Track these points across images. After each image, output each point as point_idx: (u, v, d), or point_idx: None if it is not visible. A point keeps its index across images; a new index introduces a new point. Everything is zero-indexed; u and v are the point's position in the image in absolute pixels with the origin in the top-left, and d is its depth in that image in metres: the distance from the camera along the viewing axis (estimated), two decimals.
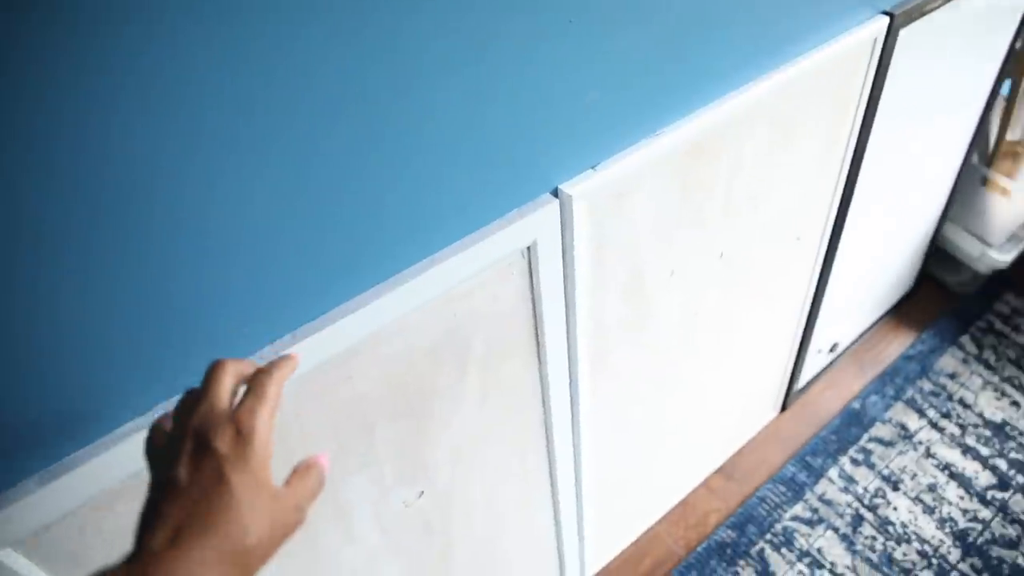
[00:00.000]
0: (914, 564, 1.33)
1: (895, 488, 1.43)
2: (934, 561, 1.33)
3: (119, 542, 0.39)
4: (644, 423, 1.11)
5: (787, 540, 1.36)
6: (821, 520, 1.38)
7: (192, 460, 0.38)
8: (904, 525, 1.38)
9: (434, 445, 0.77)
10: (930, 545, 1.35)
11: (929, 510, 1.40)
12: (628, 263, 0.83)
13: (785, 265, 1.14)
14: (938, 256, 1.70)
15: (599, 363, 0.90)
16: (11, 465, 0.49)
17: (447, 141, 0.57)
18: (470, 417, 0.78)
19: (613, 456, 1.08)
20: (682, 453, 1.30)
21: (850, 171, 1.09)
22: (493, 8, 0.52)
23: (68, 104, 0.38)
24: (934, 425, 1.52)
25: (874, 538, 1.36)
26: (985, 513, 1.39)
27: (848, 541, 1.35)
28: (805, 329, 1.34)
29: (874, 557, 1.34)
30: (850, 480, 1.44)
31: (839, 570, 1.32)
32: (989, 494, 1.42)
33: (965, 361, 1.63)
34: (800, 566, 1.32)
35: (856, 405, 1.55)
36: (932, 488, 1.43)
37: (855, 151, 1.06)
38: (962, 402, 1.56)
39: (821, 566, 1.32)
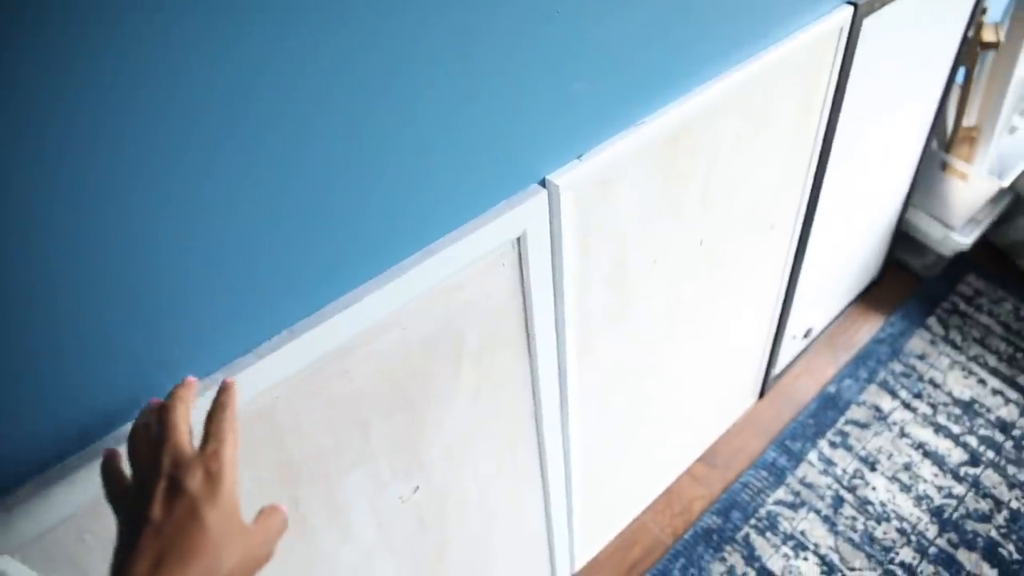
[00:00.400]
0: (894, 542, 1.36)
1: (872, 468, 1.46)
2: (913, 538, 1.36)
3: None
4: (627, 413, 1.12)
5: (771, 524, 1.38)
6: (803, 503, 1.41)
7: (166, 500, 0.41)
8: (883, 504, 1.41)
9: (429, 439, 0.77)
10: (908, 522, 1.38)
11: (906, 488, 1.43)
12: (612, 252, 0.83)
13: (761, 253, 1.17)
14: (903, 240, 1.75)
15: (584, 353, 0.90)
16: (9, 471, 0.48)
17: (435, 133, 0.57)
18: (464, 410, 0.78)
19: (598, 447, 1.09)
20: (665, 442, 1.31)
21: (820, 159, 1.11)
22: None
23: (58, 100, 0.38)
24: (907, 406, 1.56)
25: (855, 518, 1.39)
26: (959, 489, 1.43)
27: (830, 522, 1.38)
28: (780, 315, 1.37)
29: (856, 537, 1.36)
30: (829, 463, 1.47)
31: (822, 551, 1.35)
32: (962, 470, 1.46)
33: (933, 342, 1.67)
34: (785, 549, 1.35)
35: (831, 389, 1.58)
36: (908, 467, 1.46)
37: (824, 139, 1.08)
38: (932, 382, 1.60)
39: (805, 548, 1.35)
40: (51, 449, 0.49)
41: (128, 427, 0.51)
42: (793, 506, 1.40)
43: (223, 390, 0.49)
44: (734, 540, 1.36)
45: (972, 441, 1.50)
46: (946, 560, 1.33)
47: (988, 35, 1.36)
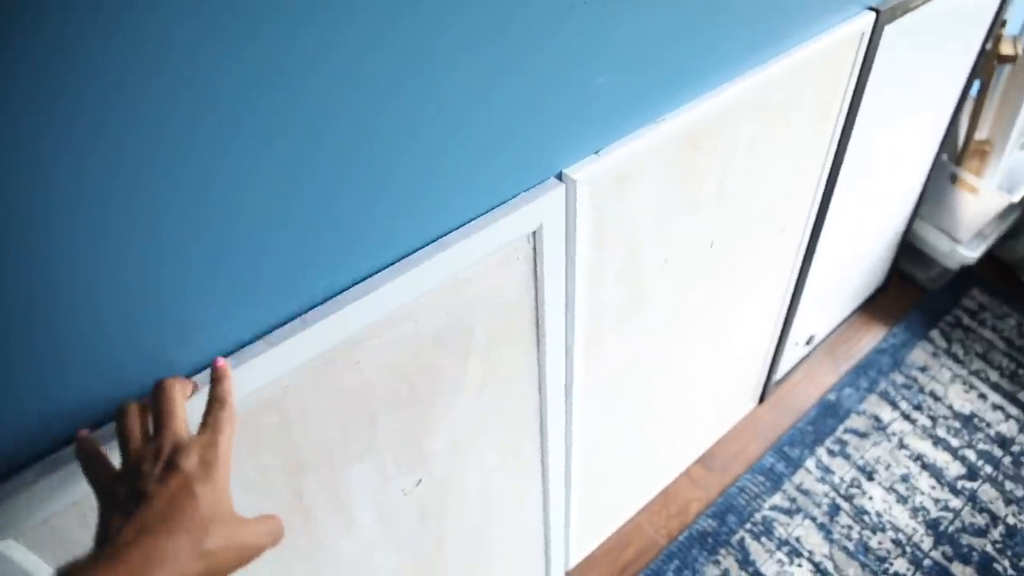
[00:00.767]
0: (889, 552, 1.36)
1: (870, 478, 1.46)
2: (907, 549, 1.36)
3: None
4: (630, 412, 1.11)
5: (766, 529, 1.38)
6: (799, 510, 1.41)
7: (161, 478, 0.42)
8: (879, 514, 1.41)
9: (434, 433, 0.76)
10: (904, 534, 1.38)
11: (903, 499, 1.43)
12: (625, 249, 0.83)
13: (770, 257, 1.16)
14: (909, 252, 1.74)
15: (592, 350, 0.90)
16: (11, 455, 0.48)
17: (457, 118, 0.56)
18: (469, 404, 0.78)
19: (599, 444, 1.08)
20: (664, 442, 1.31)
21: (833, 165, 1.11)
22: None
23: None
24: (906, 417, 1.56)
25: (850, 527, 1.39)
26: (956, 502, 1.43)
27: (825, 530, 1.38)
28: (785, 321, 1.36)
29: (850, 546, 1.36)
30: (827, 470, 1.46)
31: (817, 559, 1.34)
32: (959, 484, 1.46)
33: (935, 355, 1.67)
34: (779, 555, 1.34)
35: (832, 397, 1.58)
36: (905, 478, 1.46)
37: (838, 145, 1.08)
38: (932, 395, 1.60)
39: (799, 555, 1.35)
40: (54, 434, 0.49)
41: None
42: (789, 512, 1.40)
43: (218, 380, 0.49)
44: (729, 544, 1.35)
45: (971, 455, 1.50)
46: (940, 573, 1.33)
47: (1006, 48, 1.36)
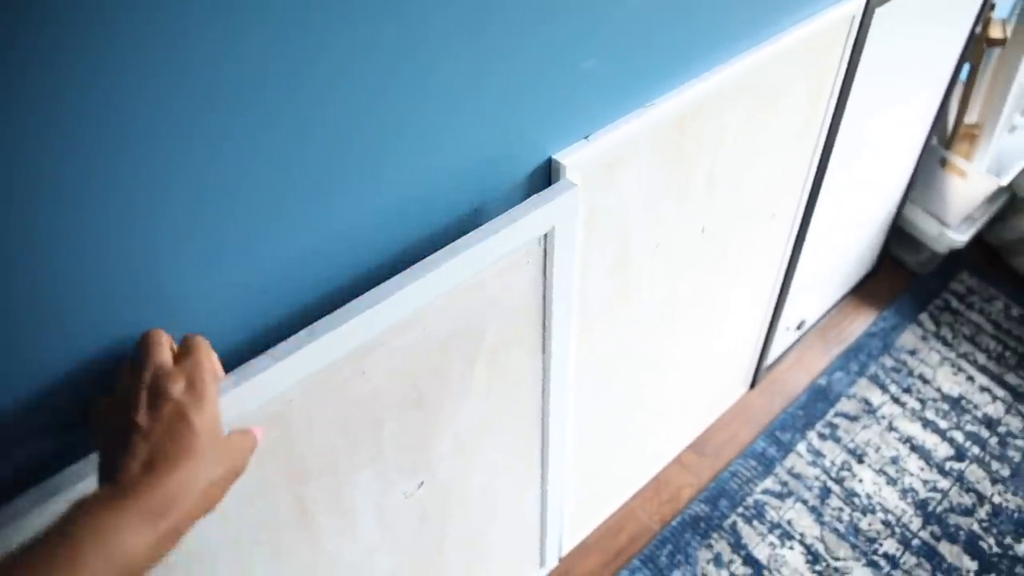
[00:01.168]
0: (879, 533, 1.37)
1: (860, 461, 1.47)
2: (897, 530, 1.38)
3: None
4: (621, 399, 1.11)
5: (758, 513, 1.39)
6: (791, 493, 1.42)
7: (150, 407, 0.41)
8: (869, 496, 1.42)
9: (440, 436, 0.75)
10: (893, 515, 1.40)
11: (892, 481, 1.44)
12: (615, 237, 0.82)
13: (761, 242, 1.16)
14: (899, 236, 1.75)
15: (583, 338, 0.90)
16: (8, 480, 0.47)
17: (447, 103, 0.56)
18: (475, 408, 0.77)
19: (592, 432, 1.09)
20: (656, 429, 1.31)
21: (824, 149, 1.11)
22: None
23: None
24: (896, 400, 1.57)
25: (841, 509, 1.40)
26: (944, 483, 1.45)
27: (817, 513, 1.39)
28: (776, 306, 1.36)
29: (841, 527, 1.38)
30: (818, 454, 1.47)
31: (808, 541, 1.36)
32: (947, 465, 1.47)
33: (924, 338, 1.68)
34: (771, 538, 1.35)
35: (822, 381, 1.59)
36: (895, 460, 1.47)
37: (829, 129, 1.08)
38: (922, 377, 1.61)
39: (791, 537, 1.36)
40: (48, 460, 0.48)
41: None
42: (780, 496, 1.41)
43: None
44: (721, 528, 1.36)
45: (958, 437, 1.51)
46: (928, 552, 1.35)
47: (995, 31, 1.36)
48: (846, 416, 1.54)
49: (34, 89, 0.36)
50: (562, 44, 0.60)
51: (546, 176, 0.69)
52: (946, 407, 1.56)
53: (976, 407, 1.56)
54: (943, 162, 1.62)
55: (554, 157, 0.68)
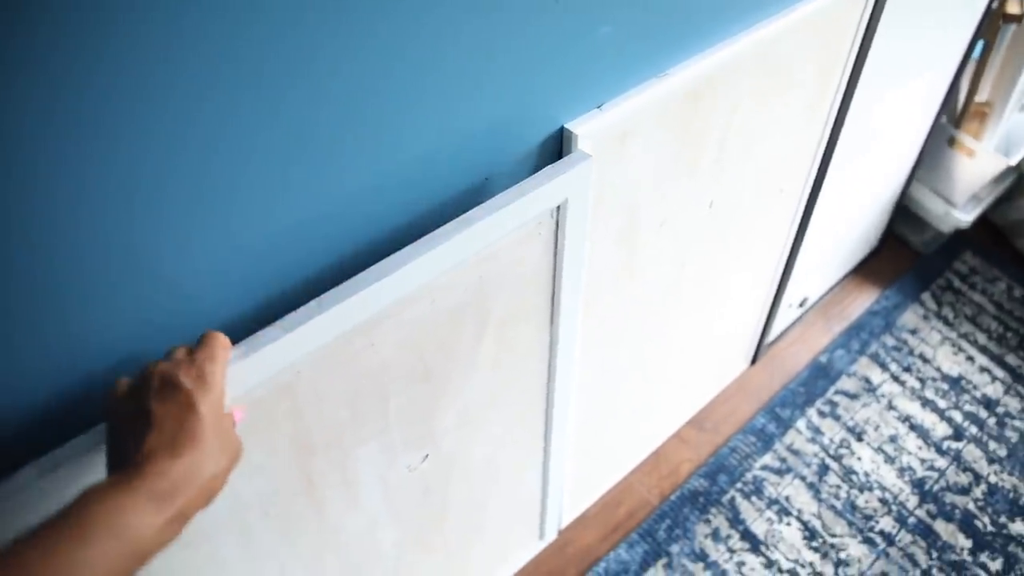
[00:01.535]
0: (875, 511, 1.38)
1: (859, 439, 1.47)
2: (894, 508, 1.39)
3: None
4: (624, 373, 1.11)
5: (757, 489, 1.39)
6: (789, 469, 1.42)
7: (160, 396, 0.42)
8: (867, 474, 1.43)
9: (444, 409, 0.75)
10: (890, 493, 1.40)
11: (890, 460, 1.45)
12: (624, 210, 0.81)
13: (768, 218, 1.15)
14: (903, 214, 1.74)
15: (588, 311, 0.89)
16: (10, 454, 0.46)
17: (461, 66, 0.54)
18: (481, 381, 0.77)
19: (593, 405, 1.08)
20: (657, 404, 1.31)
21: (835, 125, 1.09)
22: None
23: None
24: (896, 379, 1.57)
25: (839, 486, 1.41)
26: (941, 462, 1.45)
27: (815, 489, 1.40)
28: (780, 282, 1.36)
29: (838, 504, 1.38)
30: (817, 431, 1.48)
31: (805, 517, 1.36)
32: (945, 444, 1.48)
33: (925, 317, 1.68)
34: (769, 513, 1.36)
35: (823, 359, 1.59)
36: (893, 439, 1.48)
37: (841, 104, 1.06)
38: (922, 357, 1.61)
39: (788, 513, 1.37)
40: (52, 431, 0.48)
41: None
42: (779, 472, 1.42)
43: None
44: (719, 503, 1.37)
45: (957, 416, 1.52)
46: (924, 530, 1.36)
47: (1012, 7, 1.33)
48: (846, 394, 1.54)
49: (44, 48, 0.35)
50: (580, 8, 0.58)
51: (557, 146, 0.68)
52: (945, 387, 1.56)
53: (975, 387, 1.57)
54: (951, 141, 1.60)
55: (566, 126, 0.66)
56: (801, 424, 1.49)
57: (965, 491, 1.42)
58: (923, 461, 1.45)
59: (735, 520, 1.35)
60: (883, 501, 1.39)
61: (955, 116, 1.59)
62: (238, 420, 0.49)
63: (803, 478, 1.41)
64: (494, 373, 0.77)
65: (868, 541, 1.34)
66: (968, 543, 1.35)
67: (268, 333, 0.52)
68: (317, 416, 0.61)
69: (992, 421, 1.52)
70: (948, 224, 1.66)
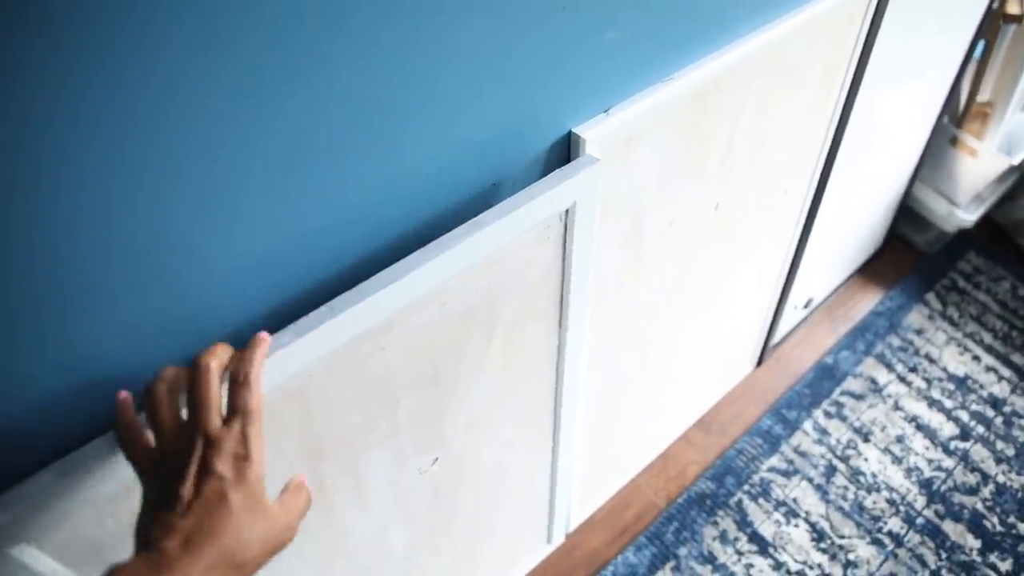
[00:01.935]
0: (883, 512, 1.38)
1: (866, 440, 1.47)
2: (901, 508, 1.38)
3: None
4: (631, 376, 1.11)
5: (764, 491, 1.39)
6: (796, 471, 1.42)
7: (196, 480, 0.42)
8: (874, 475, 1.42)
9: (454, 412, 0.75)
10: (898, 493, 1.40)
11: (897, 460, 1.45)
12: (630, 213, 0.82)
13: (773, 219, 1.15)
14: (907, 215, 1.74)
15: (595, 314, 0.89)
16: (27, 457, 0.47)
17: (468, 72, 0.54)
18: (490, 383, 0.77)
19: (600, 408, 1.09)
20: (663, 406, 1.31)
21: (838, 125, 1.09)
22: None
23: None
24: (902, 379, 1.57)
25: (846, 488, 1.41)
26: (948, 462, 1.45)
27: (822, 491, 1.40)
28: (785, 284, 1.36)
29: (846, 506, 1.38)
30: (823, 432, 1.48)
31: (813, 519, 1.36)
32: (952, 444, 1.48)
33: (931, 317, 1.68)
34: (777, 515, 1.36)
35: (829, 360, 1.59)
36: (900, 439, 1.48)
37: (844, 105, 1.06)
38: (928, 357, 1.61)
39: (796, 515, 1.37)
40: (71, 434, 0.48)
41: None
42: (786, 474, 1.42)
43: (247, 351, 0.47)
44: (727, 505, 1.37)
45: (964, 416, 1.52)
46: (932, 530, 1.36)
47: (1012, 7, 1.34)
48: (852, 395, 1.54)
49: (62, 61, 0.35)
50: (584, 13, 0.59)
51: (565, 151, 0.68)
52: (952, 387, 1.56)
53: (982, 387, 1.56)
54: (954, 140, 1.60)
55: (574, 131, 0.67)
56: (808, 425, 1.49)
57: (973, 491, 1.41)
58: (930, 461, 1.45)
59: (743, 522, 1.35)
60: (891, 502, 1.39)
61: (957, 116, 1.59)
62: (301, 485, 0.48)
63: (810, 479, 1.41)
64: (503, 376, 0.77)
65: (876, 542, 1.34)
66: (977, 543, 1.35)
67: (280, 337, 0.52)
68: (327, 420, 0.62)
69: (999, 420, 1.51)
70: (952, 224, 1.66)
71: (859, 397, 1.54)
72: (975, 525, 1.37)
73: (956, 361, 1.61)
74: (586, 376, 0.97)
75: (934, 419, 1.51)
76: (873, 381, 1.56)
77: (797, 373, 1.56)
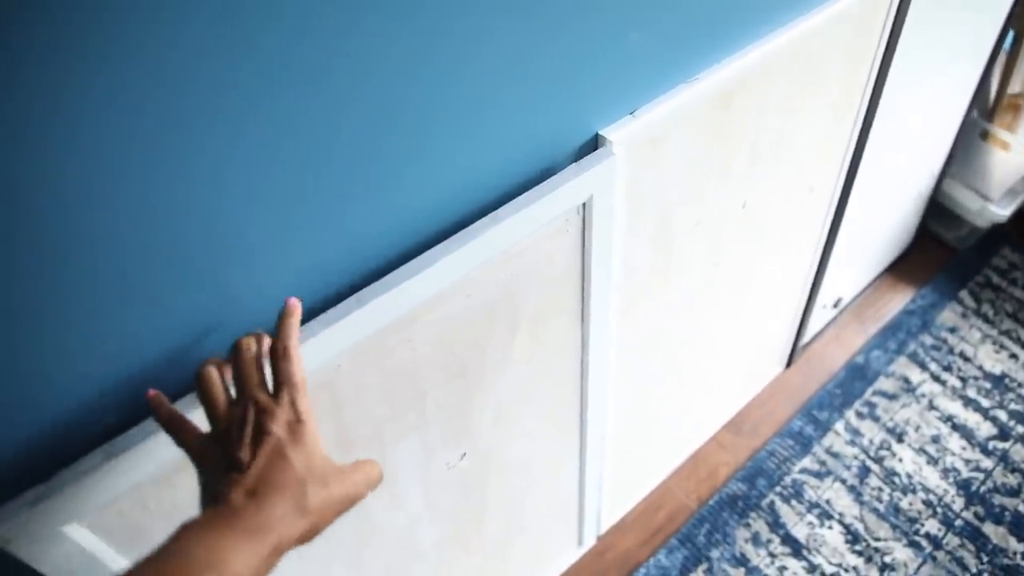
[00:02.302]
0: (920, 513, 1.36)
1: (900, 440, 1.45)
2: (939, 510, 1.36)
3: (180, 516, 0.41)
4: (661, 376, 1.11)
5: (796, 492, 1.38)
6: (829, 472, 1.40)
7: (252, 444, 0.43)
8: (909, 476, 1.40)
9: (480, 407, 0.76)
10: (935, 495, 1.38)
11: (933, 461, 1.42)
12: (658, 213, 0.82)
13: (800, 217, 1.14)
14: (937, 211, 1.71)
15: (625, 315, 0.89)
16: (76, 439, 0.48)
17: (496, 79, 0.55)
18: (515, 377, 0.78)
19: (631, 410, 1.08)
20: (693, 407, 1.31)
21: (864, 122, 1.08)
22: None
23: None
24: (936, 378, 1.54)
25: (881, 489, 1.38)
26: (987, 463, 1.42)
27: (856, 492, 1.38)
28: (813, 283, 1.35)
29: (881, 507, 1.36)
30: (856, 433, 1.46)
31: (847, 520, 1.34)
32: (990, 444, 1.45)
33: (964, 315, 1.65)
34: (810, 517, 1.35)
35: (860, 359, 1.57)
36: (935, 439, 1.45)
37: (870, 101, 1.05)
38: (962, 355, 1.58)
39: (830, 517, 1.35)
40: (119, 417, 0.49)
41: (191, 397, 0.51)
42: (819, 475, 1.40)
43: (282, 319, 0.48)
44: (759, 507, 1.36)
45: (1002, 415, 1.49)
46: (972, 533, 1.33)
47: None
48: (884, 395, 1.52)
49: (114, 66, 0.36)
50: (606, 15, 0.59)
51: (591, 153, 0.69)
52: (988, 385, 1.53)
53: (1020, 385, 1.53)
54: (984, 134, 1.57)
55: (600, 133, 0.67)
56: (839, 426, 1.47)
57: (1015, 492, 1.38)
58: (968, 462, 1.42)
59: (775, 524, 1.34)
60: (927, 503, 1.37)
61: (987, 109, 1.56)
62: (380, 468, 0.49)
63: (843, 481, 1.39)
64: (528, 368, 0.78)
65: (914, 544, 1.32)
66: (1020, 547, 1.31)
67: (309, 328, 0.54)
68: (357, 411, 0.63)
69: None
70: (984, 219, 1.63)
71: (892, 397, 1.51)
72: (1018, 527, 1.34)
73: (992, 359, 1.57)
74: (615, 377, 0.97)
75: (971, 419, 1.48)
76: (906, 380, 1.54)
77: (828, 373, 1.55)
